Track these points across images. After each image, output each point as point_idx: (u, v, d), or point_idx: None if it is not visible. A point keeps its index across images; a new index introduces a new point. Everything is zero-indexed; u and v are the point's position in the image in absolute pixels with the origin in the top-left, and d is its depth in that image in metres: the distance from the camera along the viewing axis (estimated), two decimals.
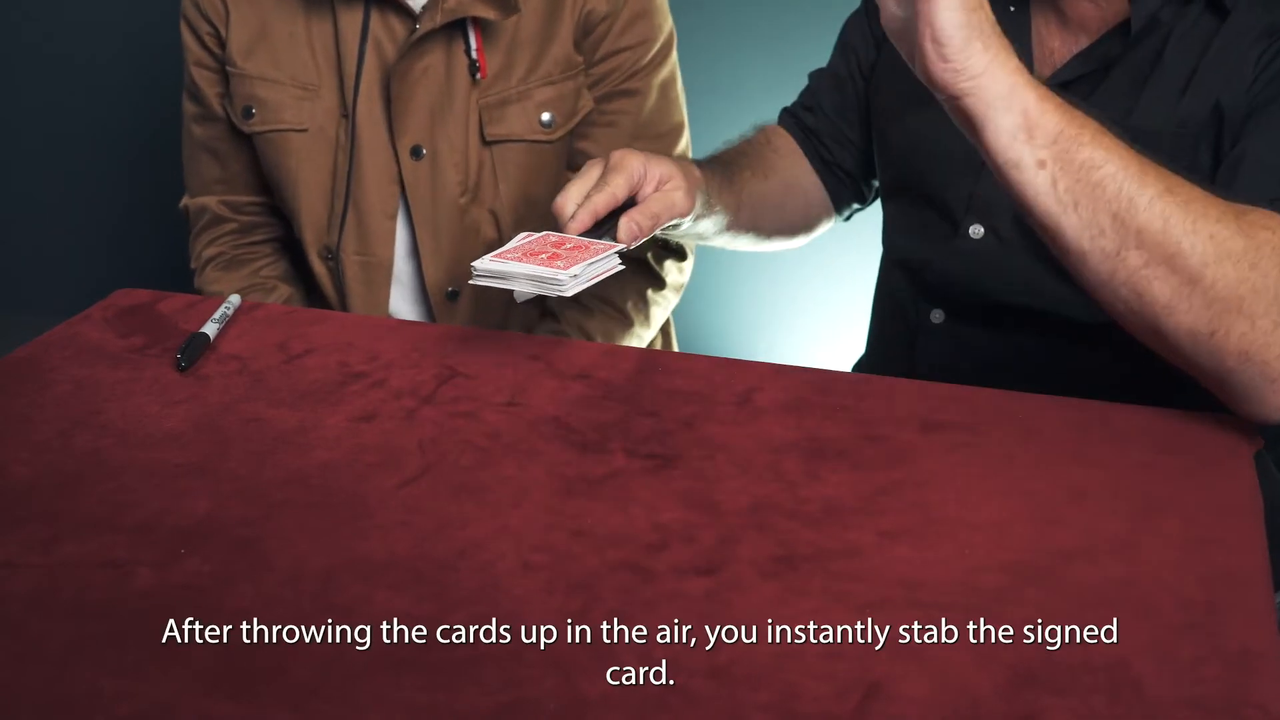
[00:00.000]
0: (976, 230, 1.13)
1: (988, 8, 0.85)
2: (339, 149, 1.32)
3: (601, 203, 0.98)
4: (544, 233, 0.96)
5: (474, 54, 1.28)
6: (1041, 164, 0.84)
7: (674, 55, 1.38)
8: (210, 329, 1.02)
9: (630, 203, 1.01)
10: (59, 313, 1.13)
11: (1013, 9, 1.10)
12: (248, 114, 1.34)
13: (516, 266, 0.91)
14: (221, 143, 1.39)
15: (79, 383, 0.96)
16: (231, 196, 1.42)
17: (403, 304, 1.40)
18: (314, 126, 1.32)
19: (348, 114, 1.31)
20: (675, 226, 1.07)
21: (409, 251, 1.36)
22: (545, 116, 1.31)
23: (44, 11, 2.46)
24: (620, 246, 0.95)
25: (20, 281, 2.68)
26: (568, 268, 0.90)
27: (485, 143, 1.31)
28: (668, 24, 1.36)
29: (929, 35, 0.83)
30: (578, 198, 0.99)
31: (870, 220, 1.35)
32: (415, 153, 1.31)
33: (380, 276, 1.36)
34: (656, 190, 1.02)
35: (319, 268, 1.38)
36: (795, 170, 1.30)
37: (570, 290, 0.90)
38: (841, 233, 1.38)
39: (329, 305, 1.39)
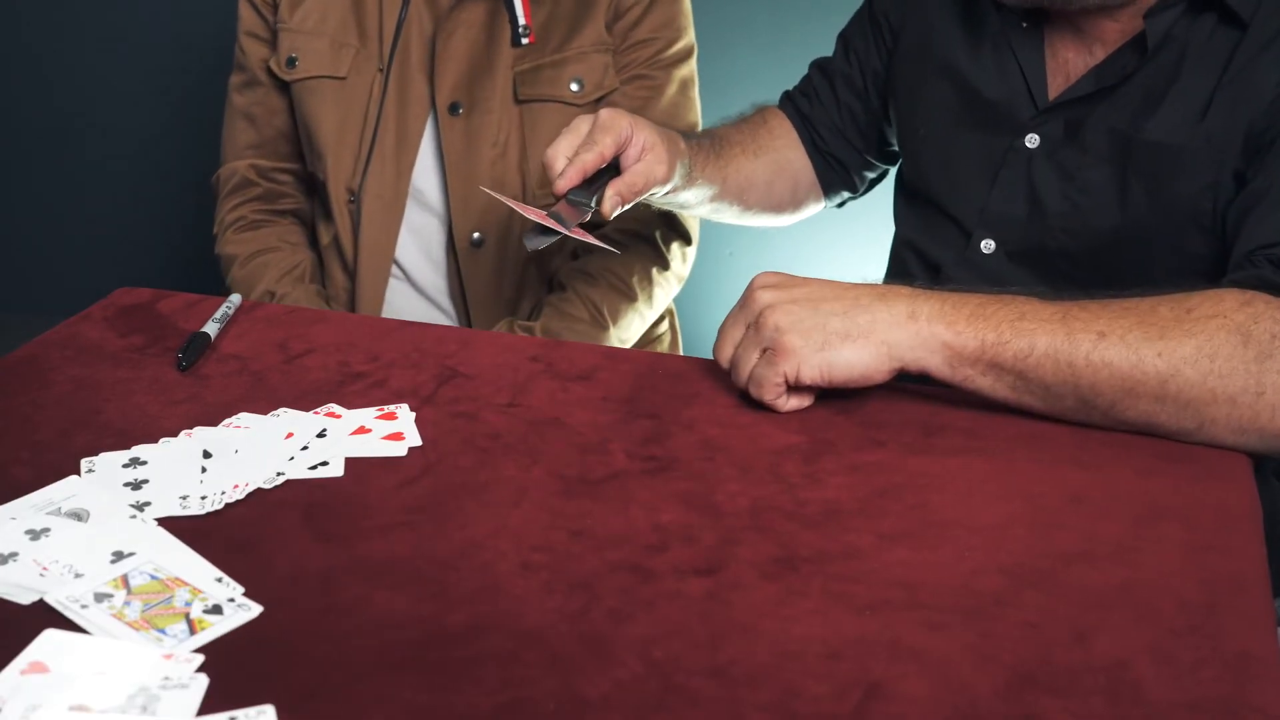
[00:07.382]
0: (988, 245, 1.15)
1: (830, 297, 0.90)
2: (371, 99, 1.39)
3: (590, 162, 1.03)
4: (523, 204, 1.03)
5: (521, 18, 1.35)
6: (981, 374, 0.89)
7: (694, 63, 1.45)
8: (210, 328, 1.02)
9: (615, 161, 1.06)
10: (59, 313, 1.13)
11: (1025, 25, 1.12)
12: (291, 64, 1.41)
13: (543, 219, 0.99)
14: (258, 106, 1.46)
15: (79, 382, 0.96)
16: (262, 161, 1.48)
17: (417, 255, 1.43)
18: (352, 75, 1.39)
19: (383, 68, 1.38)
20: (653, 195, 1.11)
21: (437, 201, 1.41)
22: (574, 86, 1.38)
23: (45, 12, 2.47)
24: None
25: (20, 281, 2.68)
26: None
27: (518, 101, 1.37)
28: (690, 31, 1.44)
29: (821, 381, 0.89)
30: (567, 152, 1.04)
31: (872, 223, 1.35)
32: (453, 109, 1.37)
33: (392, 219, 1.41)
34: (640, 157, 1.06)
35: (340, 215, 1.42)
36: (788, 153, 1.33)
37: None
38: (844, 234, 1.39)
39: (344, 260, 1.43)
